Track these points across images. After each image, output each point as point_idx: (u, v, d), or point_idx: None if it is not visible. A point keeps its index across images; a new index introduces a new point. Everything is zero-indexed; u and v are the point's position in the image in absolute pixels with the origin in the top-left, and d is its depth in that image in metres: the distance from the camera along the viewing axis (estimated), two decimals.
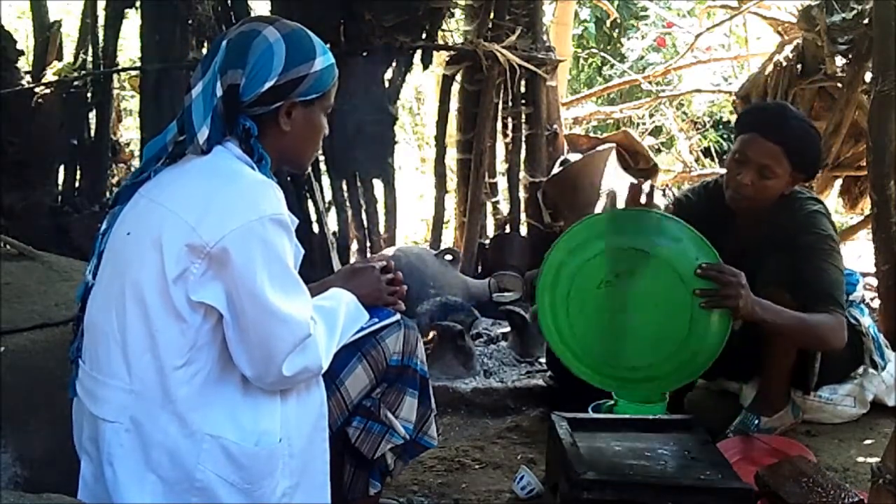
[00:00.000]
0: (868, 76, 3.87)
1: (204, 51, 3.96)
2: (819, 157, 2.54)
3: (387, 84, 4.15)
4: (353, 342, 1.82)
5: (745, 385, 2.75)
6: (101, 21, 4.18)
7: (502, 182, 4.64)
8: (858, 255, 4.63)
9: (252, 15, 3.66)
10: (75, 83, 4.19)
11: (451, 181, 4.81)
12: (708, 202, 2.66)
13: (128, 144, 5.05)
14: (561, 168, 4.37)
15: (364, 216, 4.24)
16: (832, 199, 4.73)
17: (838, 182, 4.68)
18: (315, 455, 1.69)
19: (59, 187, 4.25)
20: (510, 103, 4.39)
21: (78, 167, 4.26)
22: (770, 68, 4.44)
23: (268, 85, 1.60)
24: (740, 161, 2.48)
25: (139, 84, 4.22)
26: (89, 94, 4.24)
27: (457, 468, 2.60)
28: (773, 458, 2.29)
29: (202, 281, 1.52)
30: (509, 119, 4.46)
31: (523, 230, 4.56)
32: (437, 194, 4.47)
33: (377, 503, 2.03)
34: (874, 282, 3.39)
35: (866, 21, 3.82)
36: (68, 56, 4.32)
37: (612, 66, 8.07)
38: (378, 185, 4.25)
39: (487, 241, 4.49)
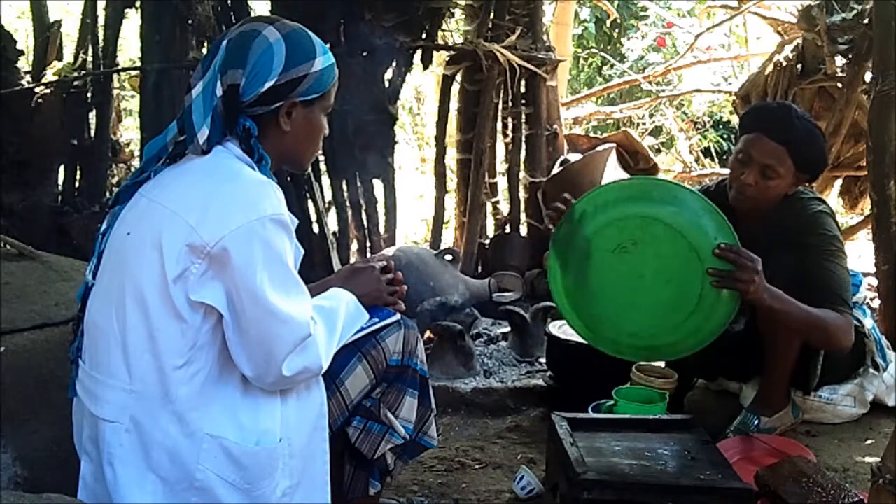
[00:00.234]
0: (868, 76, 3.87)
1: (204, 51, 3.95)
2: (823, 157, 2.53)
3: (387, 84, 4.15)
4: (353, 342, 1.82)
5: (745, 385, 2.75)
6: (101, 21, 4.18)
7: (502, 182, 4.65)
8: (858, 255, 4.63)
9: (252, 15, 3.67)
10: (75, 83, 4.18)
11: (451, 181, 4.82)
12: None
13: (128, 144, 5.03)
14: (561, 168, 4.37)
15: (364, 216, 4.24)
16: (832, 199, 4.72)
17: (838, 182, 4.68)
18: (315, 455, 1.69)
19: (59, 187, 4.24)
20: (510, 103, 4.39)
21: (78, 167, 4.25)
22: (770, 68, 4.45)
23: (268, 85, 1.60)
24: (744, 161, 2.46)
25: (139, 84, 4.22)
26: (89, 94, 4.23)
27: (457, 468, 2.61)
28: (773, 458, 2.29)
29: (202, 281, 1.52)
30: (509, 119, 4.47)
31: (523, 230, 4.56)
32: (437, 194, 4.47)
33: (377, 503, 2.03)
34: (874, 282, 3.39)
35: (866, 21, 3.82)
36: (68, 56, 4.31)
37: (612, 66, 8.08)
38: (378, 185, 4.25)
39: (487, 241, 4.49)
